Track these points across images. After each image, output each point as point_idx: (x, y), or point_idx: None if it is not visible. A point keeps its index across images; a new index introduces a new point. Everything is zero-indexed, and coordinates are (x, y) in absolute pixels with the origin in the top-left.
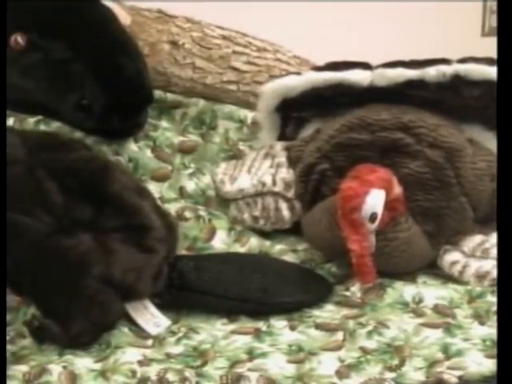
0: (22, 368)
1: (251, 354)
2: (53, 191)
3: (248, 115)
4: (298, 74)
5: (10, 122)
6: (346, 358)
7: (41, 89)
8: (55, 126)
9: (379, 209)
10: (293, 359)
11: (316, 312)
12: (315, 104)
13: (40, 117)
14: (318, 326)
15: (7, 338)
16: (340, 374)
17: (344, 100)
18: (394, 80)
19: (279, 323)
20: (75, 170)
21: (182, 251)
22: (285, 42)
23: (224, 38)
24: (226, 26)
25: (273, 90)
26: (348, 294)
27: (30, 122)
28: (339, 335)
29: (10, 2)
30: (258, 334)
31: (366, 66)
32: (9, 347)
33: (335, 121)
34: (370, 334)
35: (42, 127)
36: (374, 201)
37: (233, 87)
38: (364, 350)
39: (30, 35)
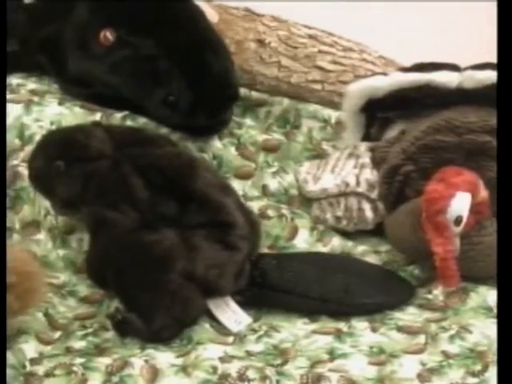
0: (105, 360)
1: (332, 355)
2: (138, 186)
3: (332, 115)
4: (385, 74)
5: (97, 117)
6: (428, 362)
7: (128, 84)
8: (142, 121)
9: (465, 212)
10: (374, 361)
11: (398, 314)
12: (401, 105)
13: (127, 112)
14: (399, 329)
15: (90, 330)
16: (421, 378)
17: (430, 101)
18: (482, 82)
19: (360, 324)
20: (160, 166)
21: (263, 249)
22: (371, 42)
23: (310, 37)
24: (313, 24)
25: (358, 89)
26: (430, 297)
27: (117, 117)
28: (421, 338)
29: None
30: (339, 335)
31: (453, 67)
32: (92, 339)
33: (421, 122)
34: (452, 338)
35: (129, 123)
36: (460, 204)
37: (317, 86)
38: (446, 355)
39: (118, 31)
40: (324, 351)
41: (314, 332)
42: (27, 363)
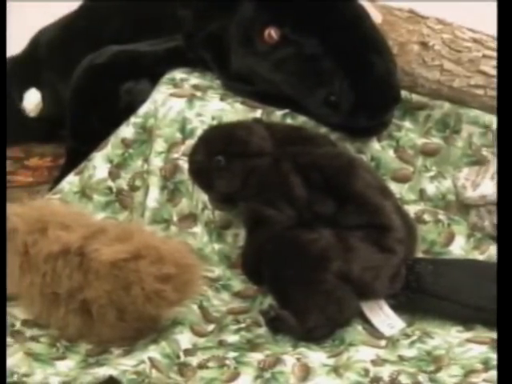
0: (257, 356)
1: (487, 365)
2: (297, 185)
3: (493, 121)
4: None
5: (258, 114)
6: None
7: (290, 83)
8: (301, 120)
9: None
10: None
11: None
12: None
13: (287, 110)
14: None
15: (243, 325)
16: None
17: None
18: None
19: None
20: (320, 166)
21: (419, 254)
22: None
23: (475, 41)
24: (478, 28)
25: None
26: None
27: (277, 115)
28: None
29: None
30: (494, 345)
31: None
32: (245, 334)
33: None
34: None
35: (289, 121)
36: None
37: (480, 91)
38: None
39: (283, 30)
40: (478, 361)
41: (469, 341)
42: (181, 354)
